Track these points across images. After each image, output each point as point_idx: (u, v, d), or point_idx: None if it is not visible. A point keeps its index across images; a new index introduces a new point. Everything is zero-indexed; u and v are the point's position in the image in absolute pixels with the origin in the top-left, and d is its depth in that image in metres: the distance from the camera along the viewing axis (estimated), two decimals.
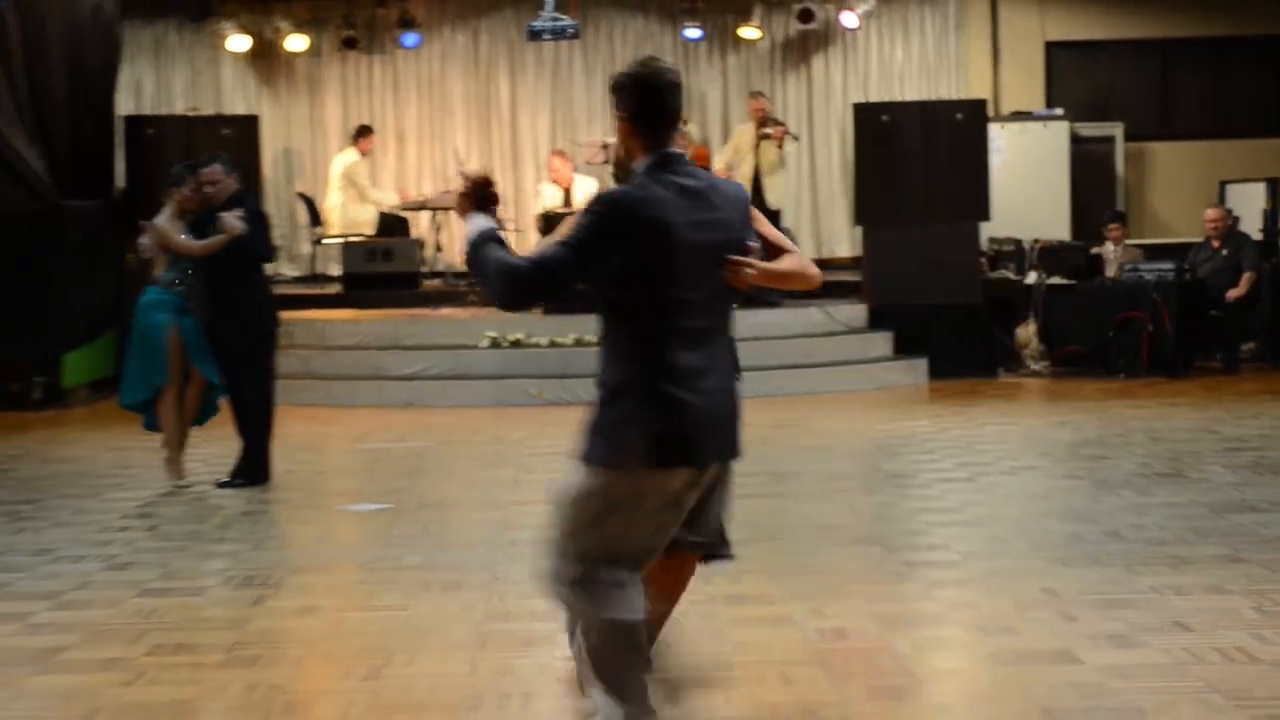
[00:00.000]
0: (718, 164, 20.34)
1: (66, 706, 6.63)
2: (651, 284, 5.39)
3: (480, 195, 5.55)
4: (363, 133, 20.62)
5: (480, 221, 5.50)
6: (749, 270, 5.53)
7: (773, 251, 5.83)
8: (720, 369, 5.54)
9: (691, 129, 20.25)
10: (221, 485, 11.64)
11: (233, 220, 11.48)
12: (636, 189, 5.40)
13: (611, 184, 20.08)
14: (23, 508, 11.33)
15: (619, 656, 5.41)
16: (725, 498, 5.80)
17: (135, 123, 18.93)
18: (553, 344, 16.73)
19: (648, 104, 5.54)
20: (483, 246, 5.42)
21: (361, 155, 20.41)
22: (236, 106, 21.41)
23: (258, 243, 11.65)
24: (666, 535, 5.52)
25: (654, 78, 5.59)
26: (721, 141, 21.10)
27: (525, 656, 7.21)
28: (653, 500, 5.37)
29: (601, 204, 5.46)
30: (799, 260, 5.91)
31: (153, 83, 21.97)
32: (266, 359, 11.91)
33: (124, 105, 19.91)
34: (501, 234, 5.50)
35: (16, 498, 11.76)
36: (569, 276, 5.39)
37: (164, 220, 11.76)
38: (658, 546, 5.51)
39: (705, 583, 8.49)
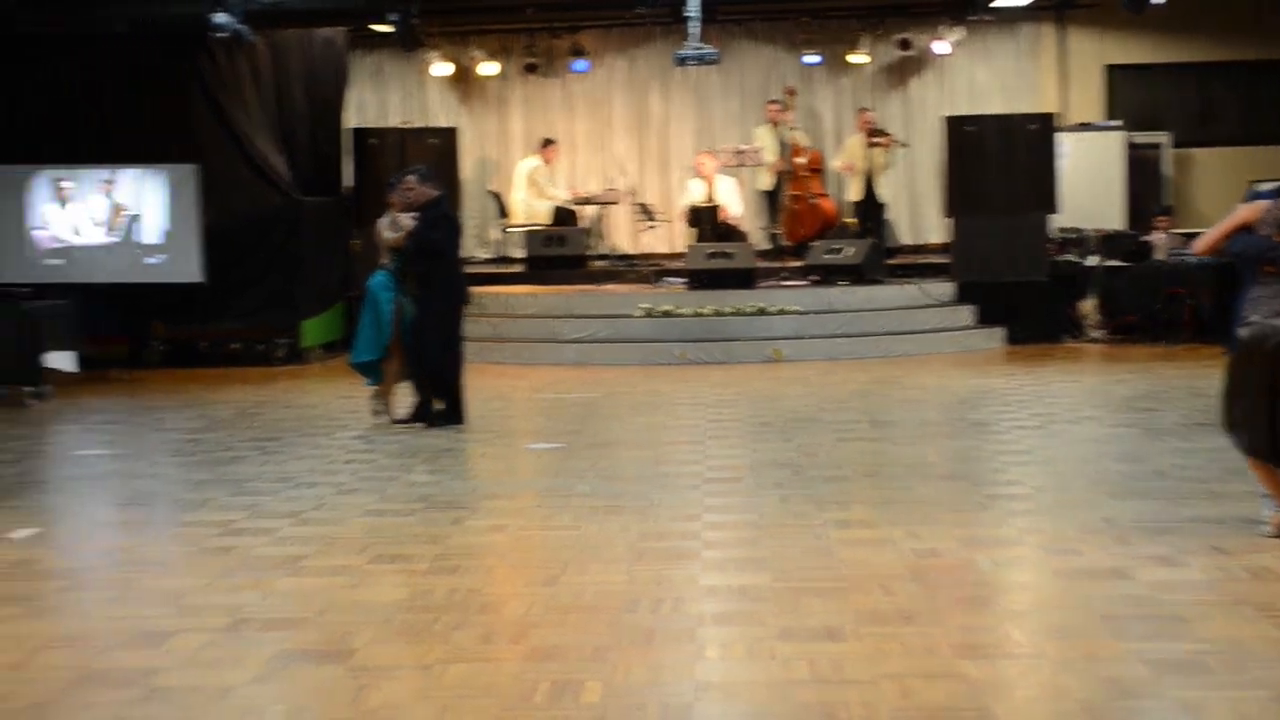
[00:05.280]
0: (835, 164, 20.26)
1: (306, 603, 6.73)
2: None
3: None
4: (546, 144, 20.73)
5: None
6: None
7: None
8: None
9: (799, 134, 20.13)
10: (430, 426, 11.76)
11: (406, 220, 11.65)
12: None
13: (745, 184, 20.03)
14: (269, 444, 11.50)
15: None
16: None
17: (360, 134, 19.08)
18: (695, 314, 16.70)
19: None
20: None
21: (544, 162, 20.52)
22: (440, 120, 21.50)
23: (426, 238, 11.65)
24: None
25: None
26: (834, 148, 20.99)
27: (674, 569, 7.20)
28: None
29: None
30: None
31: (373, 102, 22.12)
32: (457, 324, 11.98)
33: (350, 120, 20.08)
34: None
35: (264, 436, 11.94)
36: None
37: (383, 220, 11.93)
38: None
39: (819, 509, 8.50)
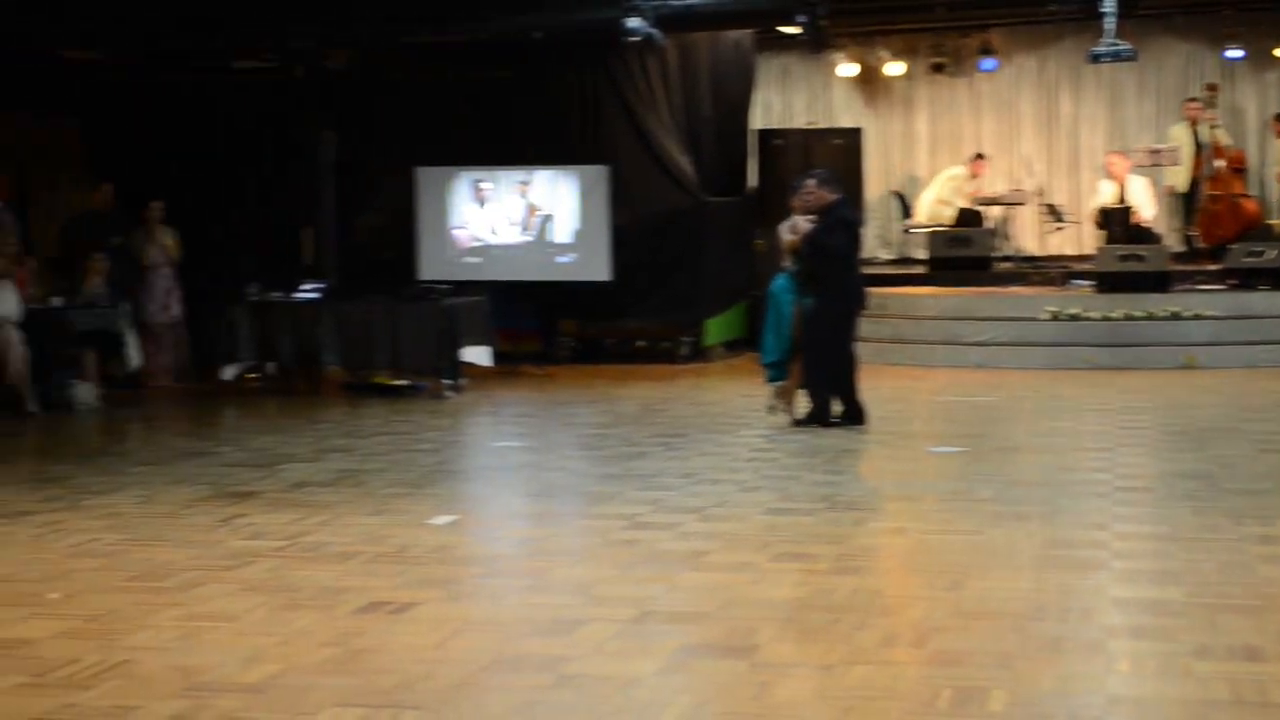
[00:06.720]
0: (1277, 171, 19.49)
1: (709, 598, 6.82)
2: None
3: None
4: (978, 157, 20.52)
5: None
6: None
7: None
8: None
9: (1220, 133, 19.39)
10: (828, 427, 11.76)
11: (803, 224, 11.67)
12: None
13: (1157, 184, 19.37)
14: (673, 440, 11.71)
15: None
16: None
17: (765, 135, 19.28)
18: (1104, 318, 16.24)
19: None
20: None
21: (972, 175, 20.29)
22: (844, 121, 21.52)
23: (821, 241, 11.63)
24: None
25: None
26: (1257, 148, 20.15)
27: (1083, 578, 7.01)
28: None
29: None
30: None
31: (779, 103, 22.34)
32: (851, 328, 11.94)
33: (756, 120, 20.28)
34: None
35: (669, 432, 12.17)
36: None
37: (784, 224, 12.01)
38: None
39: (1236, 523, 8.14)
